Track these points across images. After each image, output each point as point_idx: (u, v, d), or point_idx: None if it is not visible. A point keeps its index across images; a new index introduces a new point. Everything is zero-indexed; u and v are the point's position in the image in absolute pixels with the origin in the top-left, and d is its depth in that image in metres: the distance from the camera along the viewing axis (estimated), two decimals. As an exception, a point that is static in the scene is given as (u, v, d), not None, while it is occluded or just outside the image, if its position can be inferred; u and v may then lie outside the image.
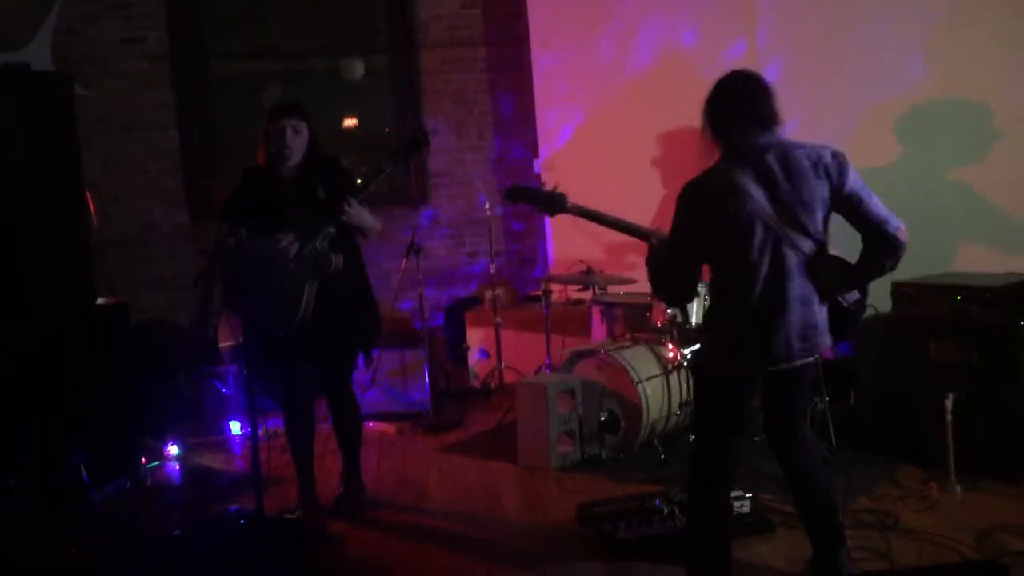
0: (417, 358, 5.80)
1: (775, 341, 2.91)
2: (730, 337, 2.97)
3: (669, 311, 4.82)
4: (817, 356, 3.03)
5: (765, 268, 2.88)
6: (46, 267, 4.45)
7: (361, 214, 3.92)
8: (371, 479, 4.56)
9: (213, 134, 7.09)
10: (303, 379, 4.14)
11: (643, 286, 5.48)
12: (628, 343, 4.98)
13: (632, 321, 5.23)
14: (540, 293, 5.97)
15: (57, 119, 4.59)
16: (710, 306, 3.12)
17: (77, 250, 4.68)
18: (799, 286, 2.92)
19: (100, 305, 4.86)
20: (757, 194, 2.85)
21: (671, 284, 3.09)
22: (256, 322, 3.94)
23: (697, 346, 4.92)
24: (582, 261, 5.57)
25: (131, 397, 4.86)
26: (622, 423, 4.74)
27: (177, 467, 5.03)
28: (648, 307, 5.01)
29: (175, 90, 6.92)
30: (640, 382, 4.66)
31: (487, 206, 6.42)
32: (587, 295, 5.89)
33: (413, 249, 5.81)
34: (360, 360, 4.36)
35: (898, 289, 4.45)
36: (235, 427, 5.53)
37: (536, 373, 5.75)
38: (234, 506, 4.17)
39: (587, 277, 5.46)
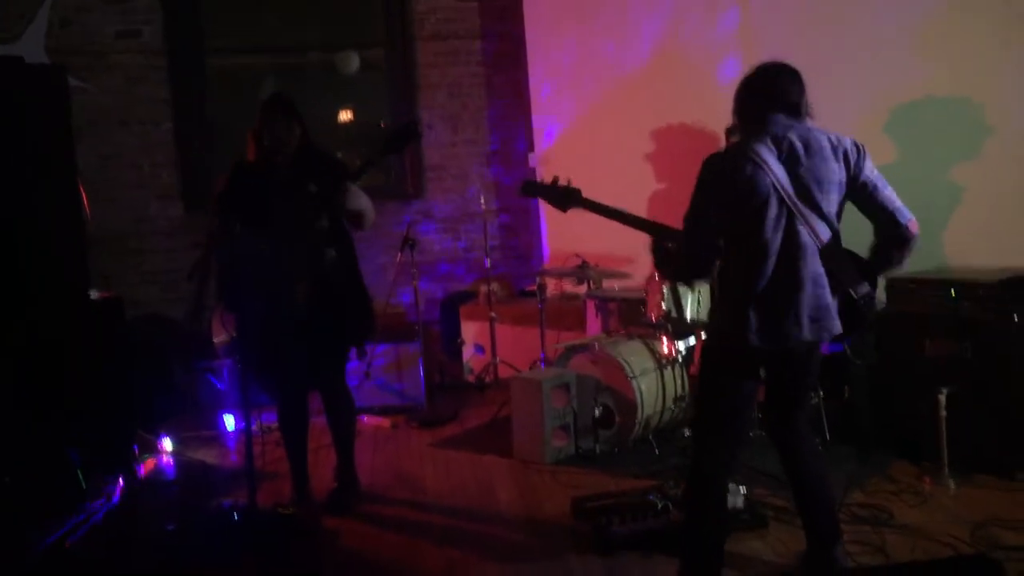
0: (412, 352, 5.80)
1: (787, 318, 2.92)
2: (742, 313, 2.94)
3: (664, 306, 4.82)
4: (825, 340, 3.03)
5: (778, 243, 2.91)
6: (39, 261, 4.43)
7: (359, 197, 3.91)
8: (365, 473, 4.56)
9: (208, 128, 7.07)
10: (296, 373, 4.14)
11: (638, 280, 5.52)
12: (623, 338, 4.98)
13: (627, 316, 5.23)
14: (535, 287, 5.97)
15: (51, 112, 4.56)
16: (722, 283, 3.10)
17: (71, 244, 4.66)
18: (812, 265, 2.94)
19: (94, 299, 4.84)
20: (777, 168, 2.90)
21: (691, 257, 3.04)
22: (249, 316, 3.93)
23: (691, 339, 4.93)
24: (577, 255, 5.57)
25: (125, 391, 4.84)
26: (616, 418, 4.75)
27: (171, 461, 5.02)
28: (642, 301, 5.01)
29: (170, 84, 6.90)
30: (635, 377, 4.66)
31: (482, 200, 6.41)
32: (582, 289, 5.89)
33: (408, 243, 5.80)
34: (353, 353, 4.36)
35: (892, 284, 4.46)
36: (229, 421, 5.52)
37: (531, 367, 5.76)
38: (228, 500, 4.17)
39: (582, 271, 5.46)
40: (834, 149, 2.98)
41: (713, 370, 3.13)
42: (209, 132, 7.06)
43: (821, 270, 2.97)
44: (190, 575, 3.63)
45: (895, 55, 4.97)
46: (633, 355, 4.78)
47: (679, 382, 4.84)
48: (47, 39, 6.59)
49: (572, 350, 5.00)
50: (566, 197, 3.40)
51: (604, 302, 5.45)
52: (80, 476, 4.37)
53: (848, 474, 4.20)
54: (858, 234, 3.14)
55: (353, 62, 7.33)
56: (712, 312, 3.20)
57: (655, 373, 4.77)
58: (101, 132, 6.74)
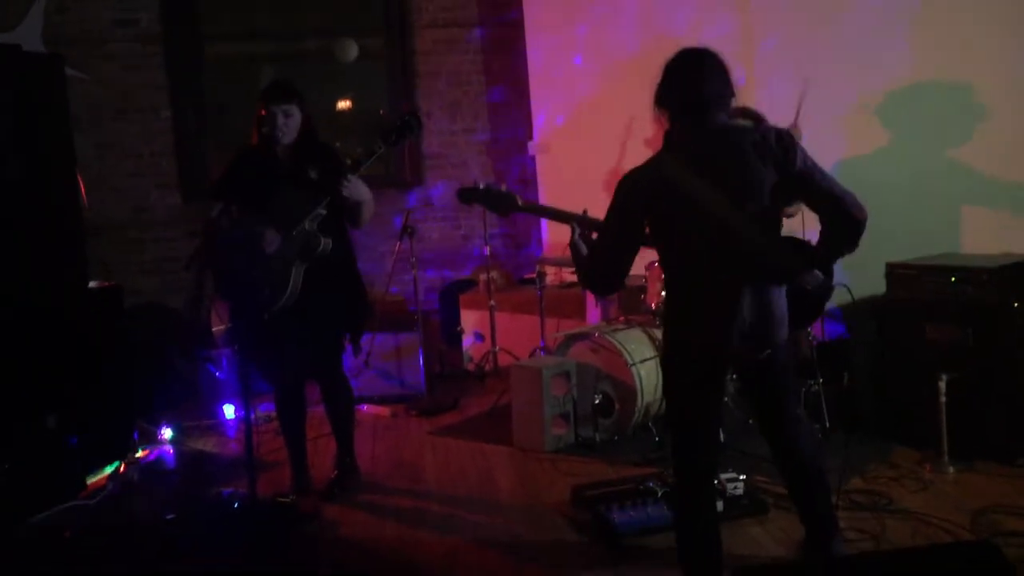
0: (411, 341, 5.79)
1: (730, 333, 2.84)
2: (685, 327, 2.92)
3: (663, 294, 4.80)
4: (783, 343, 2.96)
5: (712, 252, 2.81)
6: (38, 251, 4.42)
7: (359, 188, 3.90)
8: (365, 462, 4.56)
9: (206, 116, 7.05)
10: (293, 362, 4.13)
11: (638, 269, 5.50)
12: (622, 325, 4.97)
13: (626, 303, 5.22)
14: (535, 275, 5.96)
15: (48, 101, 4.55)
16: (664, 300, 3.08)
17: (69, 234, 4.65)
18: (749, 271, 2.84)
19: (93, 288, 4.84)
20: (698, 184, 2.78)
21: (597, 273, 3.03)
22: (244, 304, 3.93)
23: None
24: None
25: (125, 381, 4.84)
26: (616, 405, 4.74)
27: (171, 450, 5.02)
28: (642, 289, 5.00)
29: (168, 72, 6.88)
30: (634, 364, 4.66)
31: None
32: (582, 277, 5.87)
33: (407, 231, 5.79)
34: (349, 348, 4.34)
35: (893, 270, 4.45)
36: (229, 411, 5.51)
37: (530, 356, 5.75)
38: (228, 490, 4.17)
39: (582, 259, 5.44)
40: (756, 147, 2.81)
41: (673, 382, 3.07)
42: (207, 120, 7.05)
43: (760, 275, 2.85)
44: (190, 564, 3.63)
45: (890, 41, 4.95)
46: (633, 343, 4.77)
47: (679, 369, 4.82)
48: (44, 28, 6.57)
49: (572, 338, 4.99)
50: (501, 202, 3.34)
51: (604, 290, 5.43)
52: (80, 465, 4.37)
53: (848, 460, 4.19)
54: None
55: (352, 50, 7.30)
56: (664, 326, 3.13)
57: (655, 361, 4.76)
58: (99, 121, 6.73)
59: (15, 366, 4.19)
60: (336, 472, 4.31)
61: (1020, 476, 3.98)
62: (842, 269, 3.34)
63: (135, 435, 4.89)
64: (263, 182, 3.95)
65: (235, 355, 5.50)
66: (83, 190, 4.85)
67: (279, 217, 3.87)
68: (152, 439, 5.06)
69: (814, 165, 2.87)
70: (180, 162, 6.96)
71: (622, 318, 5.14)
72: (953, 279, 4.22)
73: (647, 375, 4.69)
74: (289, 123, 3.96)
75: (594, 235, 3.07)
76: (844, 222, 2.87)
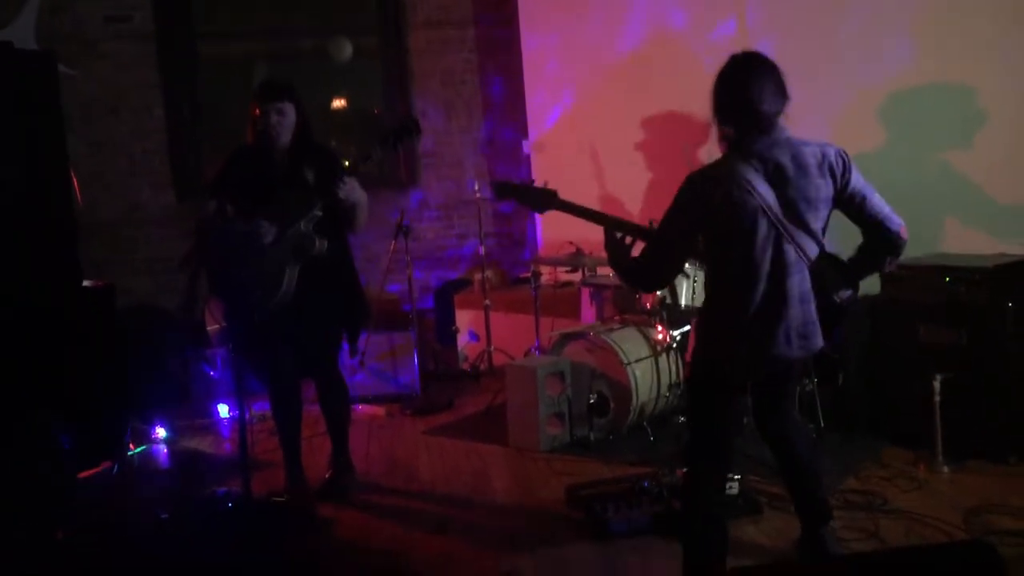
0: (406, 340, 5.79)
1: (776, 340, 2.86)
2: (733, 339, 2.90)
3: (659, 293, 4.80)
4: (808, 355, 2.99)
5: (767, 266, 2.84)
6: (31, 249, 4.41)
7: (355, 190, 3.89)
8: (360, 462, 4.55)
9: (200, 115, 7.03)
10: (288, 361, 4.12)
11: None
12: (617, 325, 4.97)
13: (621, 303, 5.22)
14: (529, 275, 5.96)
15: (41, 99, 4.53)
16: (706, 309, 3.06)
17: (63, 232, 4.64)
18: (799, 283, 2.88)
19: (86, 287, 4.82)
20: (764, 189, 2.80)
21: (651, 267, 2.98)
22: (238, 303, 3.91)
23: (685, 327, 4.92)
24: (571, 243, 5.54)
25: (118, 380, 4.83)
26: (611, 405, 4.74)
27: (165, 450, 5.02)
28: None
29: (161, 70, 6.86)
30: (629, 364, 4.66)
31: (476, 188, 6.39)
32: (576, 277, 5.88)
33: (402, 231, 5.78)
34: (345, 348, 4.33)
35: (887, 271, 4.45)
36: (223, 410, 5.51)
37: (525, 355, 5.75)
38: (222, 489, 4.16)
39: (576, 259, 5.45)
40: (819, 164, 2.87)
41: (703, 396, 3.05)
42: (200, 118, 7.03)
43: (808, 286, 2.90)
44: (184, 564, 3.62)
45: (890, 42, 4.96)
46: (628, 342, 4.77)
47: (674, 369, 4.83)
48: (37, 25, 6.54)
49: (567, 337, 4.99)
50: (543, 199, 3.25)
51: (599, 289, 5.44)
52: (71, 465, 4.36)
53: (842, 460, 4.20)
54: (848, 234, 3.12)
55: (346, 49, 7.29)
56: (697, 338, 3.08)
57: (650, 360, 4.77)
58: (92, 119, 6.70)
59: (8, 365, 4.18)
60: (331, 471, 4.30)
61: (1013, 475, 4.00)
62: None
63: (128, 434, 4.88)
64: (258, 182, 3.94)
65: (229, 354, 5.49)
66: (76, 188, 4.83)
67: (274, 217, 3.87)
68: (146, 438, 5.04)
69: (866, 184, 2.96)
70: (173, 161, 6.93)
71: (617, 317, 5.14)
72: (947, 280, 4.23)
73: (642, 375, 4.69)
74: (283, 122, 3.94)
75: (627, 239, 3.05)
76: (888, 242, 3.00)
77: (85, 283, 4.84)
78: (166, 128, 6.90)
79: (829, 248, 3.01)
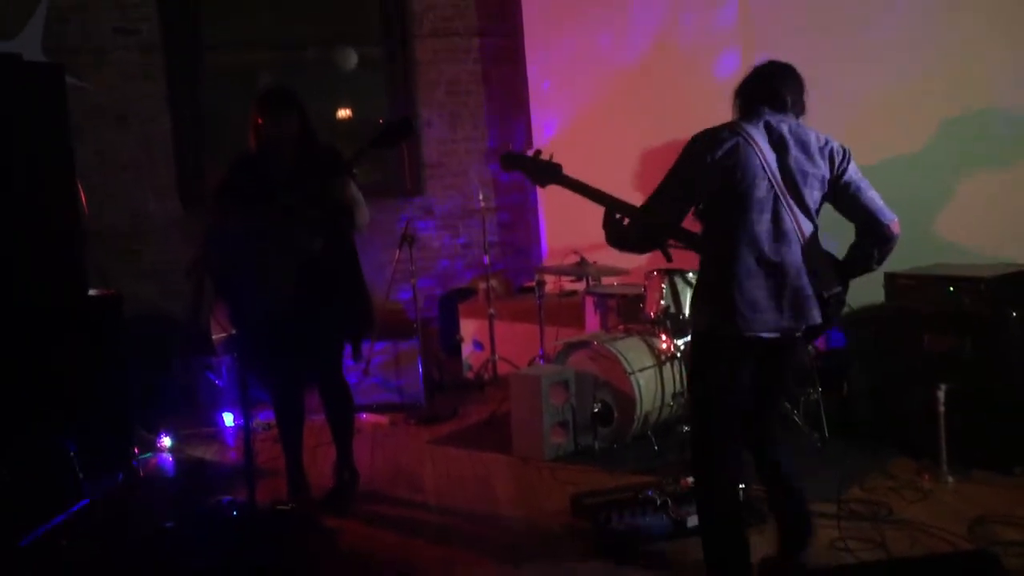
0: (410, 349, 5.80)
1: (768, 305, 2.90)
2: (730, 300, 2.91)
3: (663, 302, 4.80)
4: (803, 328, 3.00)
5: (765, 227, 2.90)
6: (38, 258, 4.43)
7: (349, 187, 3.90)
8: (364, 470, 4.55)
9: (206, 124, 7.06)
10: (293, 369, 4.13)
11: (637, 277, 5.51)
12: (621, 334, 4.98)
13: (625, 312, 5.23)
14: (534, 284, 5.96)
15: (49, 110, 4.56)
16: (704, 273, 3.07)
17: (69, 241, 4.65)
18: (795, 253, 2.93)
19: (93, 296, 4.84)
20: (767, 150, 2.91)
21: (647, 217, 2.98)
22: (242, 307, 3.92)
23: (689, 336, 4.92)
24: (575, 252, 5.56)
25: (124, 388, 4.84)
26: (615, 414, 4.75)
27: (170, 458, 5.02)
28: (641, 298, 5.00)
29: (168, 80, 6.90)
30: (633, 373, 4.66)
31: (481, 197, 6.40)
32: (580, 286, 5.89)
33: (407, 240, 5.80)
34: (349, 354, 4.34)
35: (891, 280, 4.46)
36: (228, 418, 5.52)
37: (530, 364, 5.75)
38: (227, 497, 4.16)
39: (580, 268, 5.46)
40: (820, 147, 2.99)
41: (706, 366, 3.06)
42: (206, 128, 7.06)
43: (800, 259, 2.94)
44: (188, 572, 3.62)
45: (892, 51, 4.98)
46: (632, 351, 4.78)
47: (678, 378, 4.83)
48: (45, 37, 6.58)
49: (571, 346, 4.99)
50: (546, 172, 3.26)
51: (603, 298, 5.45)
52: (78, 473, 4.36)
53: (846, 470, 4.20)
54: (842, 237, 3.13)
55: (351, 59, 7.31)
56: (694, 307, 3.14)
57: (654, 369, 4.77)
58: (99, 129, 6.73)
59: (14, 373, 4.19)
60: (335, 480, 4.30)
61: (1018, 486, 3.99)
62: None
63: (134, 443, 4.89)
64: (261, 187, 3.95)
65: (234, 363, 5.51)
66: (83, 198, 4.85)
67: (276, 221, 3.88)
68: (151, 447, 5.05)
69: (862, 178, 3.03)
70: (179, 170, 6.96)
71: (621, 327, 5.14)
72: (951, 289, 4.23)
73: (646, 384, 4.69)
74: (286, 128, 3.95)
75: (625, 221, 3.07)
76: (881, 234, 3.02)
77: (91, 292, 4.86)
78: (172, 138, 6.93)
79: (826, 246, 3.04)
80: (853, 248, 3.09)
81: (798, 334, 3.00)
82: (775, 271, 2.91)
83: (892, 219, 3.02)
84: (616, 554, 3.53)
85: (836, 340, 5.04)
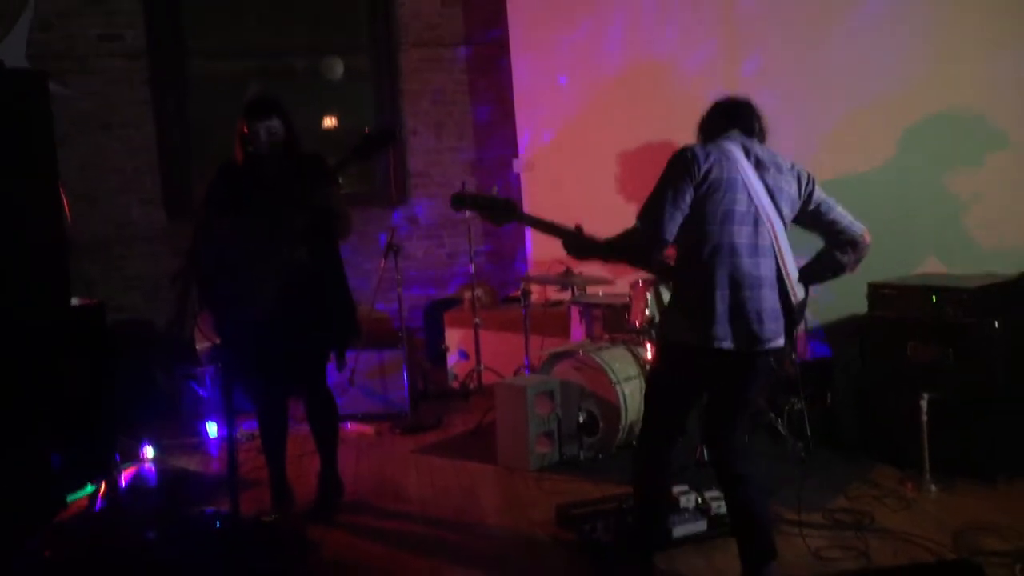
0: (395, 359, 5.78)
1: (749, 317, 2.96)
2: (707, 312, 2.97)
3: (648, 312, 4.80)
4: (779, 346, 3.06)
5: (745, 240, 2.98)
6: (20, 266, 4.39)
7: (331, 196, 3.89)
8: (349, 480, 4.53)
9: (191, 132, 7.04)
10: (277, 379, 4.12)
11: (622, 287, 5.52)
12: (607, 344, 4.98)
13: (610, 322, 5.23)
14: (519, 294, 5.96)
15: (32, 116, 4.53)
16: (678, 283, 3.14)
17: (52, 249, 4.62)
18: (770, 266, 3.02)
19: (75, 305, 4.81)
20: (747, 168, 3.03)
21: (644, 223, 3.03)
22: (227, 317, 3.91)
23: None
24: (561, 262, 5.55)
25: (107, 398, 4.81)
26: (601, 424, 4.75)
27: (153, 469, 4.99)
28: (627, 307, 5.01)
29: (152, 88, 6.87)
30: (619, 383, 4.67)
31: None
32: (566, 296, 5.89)
33: (392, 249, 5.79)
34: (333, 363, 4.32)
35: (875, 290, 4.48)
36: (212, 429, 5.49)
37: (515, 374, 5.75)
38: (210, 508, 4.14)
39: (566, 278, 5.46)
40: (790, 168, 3.13)
41: (668, 371, 3.21)
42: (191, 136, 7.03)
43: (776, 273, 3.04)
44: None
45: (878, 63, 5.01)
46: (617, 361, 4.78)
47: (663, 388, 4.83)
48: (28, 44, 6.55)
49: (556, 356, 5.00)
50: (502, 210, 3.23)
51: (588, 308, 5.45)
52: (60, 483, 4.33)
53: (831, 479, 4.21)
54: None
55: (338, 68, 7.31)
56: (664, 313, 3.30)
57: (639, 379, 4.78)
58: (83, 137, 6.70)
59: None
60: (319, 490, 4.28)
61: (1001, 495, 4.02)
62: (824, 288, 3.38)
63: (116, 453, 4.85)
64: (246, 196, 3.94)
65: (218, 373, 5.48)
66: (67, 206, 4.83)
67: (260, 230, 3.87)
68: (134, 457, 5.02)
69: (827, 197, 3.17)
70: (164, 178, 6.93)
71: (606, 336, 5.15)
72: (934, 299, 4.26)
73: (631, 393, 4.70)
74: (272, 137, 3.95)
75: (582, 228, 3.17)
76: (853, 247, 3.15)
77: (74, 300, 4.82)
78: (157, 146, 6.91)
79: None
80: (822, 254, 3.20)
81: (763, 348, 3.02)
82: (751, 284, 2.98)
83: (863, 229, 3.16)
84: (602, 564, 3.53)
85: (820, 350, 5.07)
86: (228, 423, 3.68)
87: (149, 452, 5.07)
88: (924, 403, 4.03)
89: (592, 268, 5.66)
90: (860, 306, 4.54)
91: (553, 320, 6.01)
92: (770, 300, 3.01)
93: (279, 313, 3.86)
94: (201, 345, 5.73)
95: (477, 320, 6.24)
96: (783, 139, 3.34)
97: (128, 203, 6.87)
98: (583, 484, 4.43)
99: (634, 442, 4.74)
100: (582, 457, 4.73)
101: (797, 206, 3.12)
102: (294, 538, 3.94)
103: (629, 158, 6.01)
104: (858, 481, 4.22)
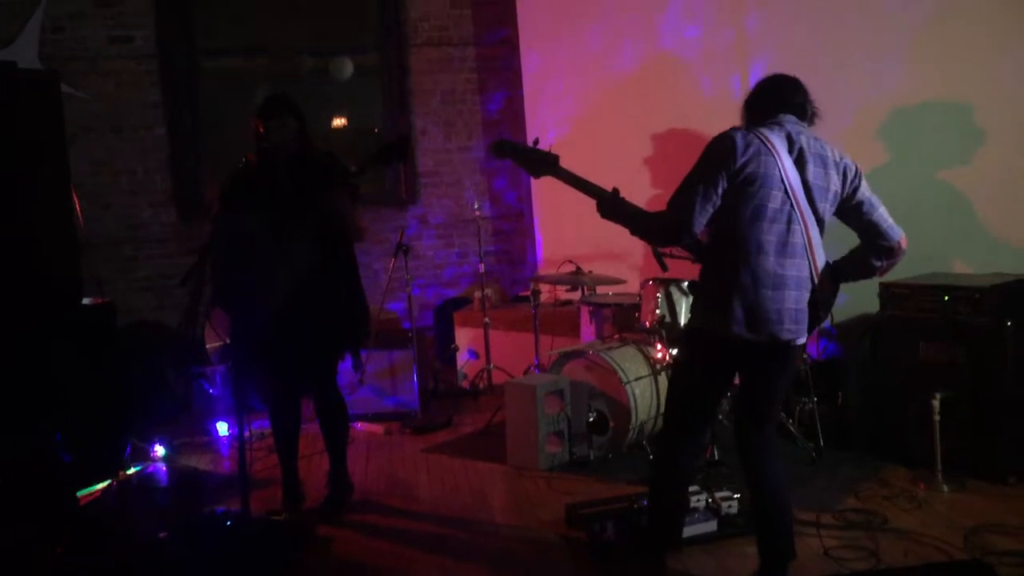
0: (405, 358, 5.79)
1: (770, 313, 2.93)
2: (728, 301, 2.95)
3: (658, 312, 4.80)
4: (803, 342, 3.06)
5: (775, 238, 2.93)
6: (33, 267, 4.42)
7: (341, 203, 3.89)
8: (359, 480, 4.54)
9: (201, 133, 7.06)
10: (288, 378, 4.13)
11: (632, 286, 5.52)
12: (616, 343, 4.98)
13: (620, 321, 5.22)
14: (529, 293, 5.97)
15: (44, 118, 4.55)
16: (704, 277, 3.10)
17: (63, 250, 4.65)
18: (799, 266, 2.97)
19: (87, 305, 4.83)
20: (787, 161, 2.95)
21: (671, 218, 2.97)
22: (240, 317, 3.93)
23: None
24: (571, 261, 5.57)
25: (118, 398, 4.83)
26: (610, 423, 4.74)
27: (164, 468, 5.01)
28: (636, 307, 5.01)
29: (163, 89, 6.90)
30: (628, 382, 4.66)
31: (476, 206, 6.41)
32: (576, 295, 5.89)
33: (402, 249, 5.79)
34: (348, 363, 4.34)
35: (886, 290, 4.47)
36: (222, 428, 5.50)
37: (525, 373, 5.75)
38: (221, 507, 4.15)
39: (576, 277, 5.46)
40: (836, 162, 3.05)
41: (690, 358, 3.21)
42: (202, 137, 7.06)
43: (807, 274, 2.99)
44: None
45: (889, 61, 4.99)
46: (627, 361, 4.78)
47: (673, 388, 4.83)
48: (40, 45, 6.58)
49: (566, 356, 4.99)
50: (541, 162, 3.21)
51: (598, 308, 5.45)
52: (71, 481, 4.35)
53: (842, 479, 4.20)
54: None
55: (347, 68, 7.33)
56: (695, 302, 3.26)
57: (649, 379, 4.77)
58: (94, 138, 6.73)
59: (8, 382, 4.18)
60: (329, 490, 4.29)
61: (1013, 495, 3.99)
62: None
63: (128, 452, 4.87)
64: (260, 196, 3.95)
65: (229, 372, 5.49)
66: (78, 206, 4.85)
67: (272, 230, 3.88)
68: (145, 456, 5.04)
69: (873, 195, 3.10)
70: (175, 179, 6.96)
71: (616, 336, 5.14)
72: (946, 298, 4.24)
73: (641, 393, 4.69)
74: (286, 137, 3.96)
75: (619, 192, 3.13)
76: (887, 252, 3.10)
77: (85, 300, 4.85)
78: (168, 146, 6.93)
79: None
80: (855, 254, 3.15)
81: (787, 344, 3.00)
82: (775, 284, 2.93)
83: (900, 235, 3.09)
84: (611, 564, 3.52)
85: (831, 350, 5.05)
86: (239, 422, 3.71)
87: (160, 451, 5.09)
88: (936, 403, 4.02)
89: (602, 268, 5.67)
90: (872, 305, 4.52)
91: (563, 320, 6.01)
92: (792, 300, 2.95)
93: (290, 313, 3.87)
94: (212, 345, 5.75)
95: (487, 320, 6.24)
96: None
97: (139, 204, 6.90)
98: (593, 484, 4.42)
99: (644, 442, 4.75)
100: (592, 457, 4.72)
101: (838, 201, 3.05)
102: (304, 537, 3.95)
103: (639, 156, 6.01)
104: (869, 481, 4.21)
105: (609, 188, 3.13)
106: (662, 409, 4.77)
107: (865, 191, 3.08)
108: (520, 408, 4.76)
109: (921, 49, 4.89)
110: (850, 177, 3.06)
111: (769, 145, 2.94)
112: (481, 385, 6.30)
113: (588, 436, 4.76)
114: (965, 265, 4.70)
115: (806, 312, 3.00)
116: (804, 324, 3.00)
